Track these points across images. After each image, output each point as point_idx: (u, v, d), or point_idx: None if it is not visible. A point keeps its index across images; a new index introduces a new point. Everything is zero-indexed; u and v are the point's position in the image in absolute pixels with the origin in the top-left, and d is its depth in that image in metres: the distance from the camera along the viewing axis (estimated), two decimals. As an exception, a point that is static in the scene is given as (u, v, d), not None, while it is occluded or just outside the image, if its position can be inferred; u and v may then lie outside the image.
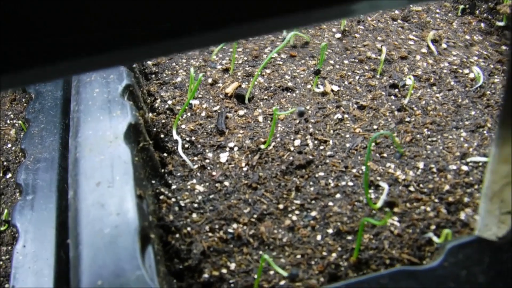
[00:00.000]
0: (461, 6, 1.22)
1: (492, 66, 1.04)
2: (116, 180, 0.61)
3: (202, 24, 0.37)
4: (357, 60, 1.08)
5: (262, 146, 0.85)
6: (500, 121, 0.45)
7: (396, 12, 1.22)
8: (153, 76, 1.03)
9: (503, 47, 1.11)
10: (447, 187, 0.75)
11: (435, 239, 0.66)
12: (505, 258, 0.50)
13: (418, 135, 0.87)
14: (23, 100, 1.18)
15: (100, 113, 0.71)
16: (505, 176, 0.48)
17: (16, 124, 1.14)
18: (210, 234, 0.70)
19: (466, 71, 1.03)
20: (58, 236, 0.84)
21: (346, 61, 1.08)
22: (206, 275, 0.64)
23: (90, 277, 0.51)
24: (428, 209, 0.72)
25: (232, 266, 0.66)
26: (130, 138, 0.69)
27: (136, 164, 0.66)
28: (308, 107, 0.94)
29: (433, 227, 0.69)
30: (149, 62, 1.06)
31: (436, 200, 0.74)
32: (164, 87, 1.00)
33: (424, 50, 1.10)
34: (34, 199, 0.89)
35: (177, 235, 0.68)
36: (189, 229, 0.70)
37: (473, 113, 0.93)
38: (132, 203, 0.58)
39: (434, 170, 0.79)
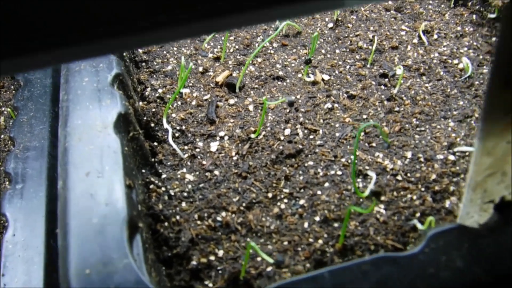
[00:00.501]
0: (454, -3, 1.23)
1: (481, 57, 1.05)
2: (105, 170, 0.61)
3: (202, 12, 0.37)
4: (348, 50, 1.08)
5: (252, 135, 0.85)
6: (483, 115, 0.46)
7: (390, 2, 1.22)
8: (144, 64, 1.03)
9: (494, 39, 1.11)
10: (433, 176, 0.76)
11: (419, 226, 0.67)
12: (483, 244, 0.52)
13: (407, 125, 0.88)
14: (12, 87, 1.18)
15: (90, 102, 0.71)
16: (487, 167, 0.49)
17: (5, 112, 1.13)
18: (198, 222, 0.71)
19: (456, 61, 1.04)
20: (47, 225, 0.84)
21: (337, 51, 1.08)
22: (194, 262, 0.65)
23: (78, 266, 0.51)
24: (414, 197, 0.73)
25: (220, 253, 0.67)
26: (120, 128, 0.70)
27: (126, 154, 0.66)
28: (298, 96, 0.95)
29: (418, 214, 0.70)
30: (140, 50, 1.06)
31: (423, 189, 0.75)
32: (154, 76, 1.00)
33: (415, 40, 1.11)
34: (23, 188, 0.89)
35: (166, 224, 0.69)
36: (178, 217, 0.70)
37: (461, 103, 0.94)
38: (121, 193, 0.58)
39: (422, 159, 0.80)
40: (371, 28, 1.14)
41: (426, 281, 0.49)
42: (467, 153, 0.81)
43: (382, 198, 0.74)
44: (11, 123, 1.04)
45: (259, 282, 0.63)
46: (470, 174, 0.51)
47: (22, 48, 0.37)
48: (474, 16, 1.17)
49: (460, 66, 1.02)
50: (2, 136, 1.09)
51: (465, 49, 1.07)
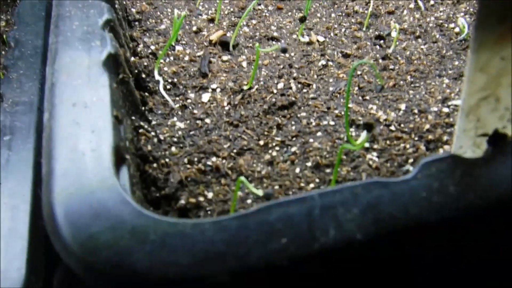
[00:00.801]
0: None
1: (478, 21, 1.04)
2: (92, 102, 0.60)
3: None
4: (344, 14, 1.07)
5: (245, 87, 0.84)
6: (476, 20, 0.45)
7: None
8: (137, 23, 1.02)
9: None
10: (427, 127, 0.75)
11: (412, 169, 0.65)
12: (476, 172, 0.50)
13: (401, 82, 0.87)
14: (3, 52, 1.16)
15: (79, 43, 0.70)
16: (481, 88, 0.48)
17: (-5, 75, 1.11)
18: (188, 165, 0.70)
19: (452, 25, 1.03)
20: (35, 175, 0.83)
21: (333, 15, 1.07)
22: (182, 202, 0.64)
23: (61, 188, 0.50)
24: (408, 146, 0.72)
25: (210, 195, 0.66)
26: (110, 68, 0.68)
27: (114, 90, 0.65)
28: (292, 54, 0.94)
29: (411, 161, 0.69)
30: (133, 10, 1.04)
31: (416, 138, 0.74)
32: (147, 34, 0.98)
33: (412, 5, 1.10)
34: (11, 140, 0.88)
35: (155, 165, 0.68)
36: (167, 160, 0.69)
37: (456, 63, 0.93)
38: (108, 122, 0.57)
39: (416, 111, 0.79)
40: (367, -6, 1.13)
41: (418, 204, 0.48)
42: (461, 106, 0.80)
43: (375, 146, 0.73)
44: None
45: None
46: (462, 96, 0.50)
47: None
48: (471, -16, 1.16)
49: (456, 30, 1.02)
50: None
51: (462, 14, 1.06)
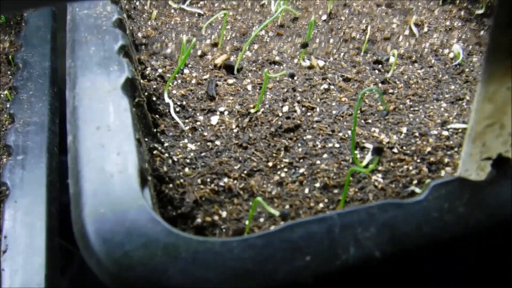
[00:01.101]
0: (443, -5, 1.28)
1: (471, 47, 1.10)
2: (115, 125, 0.62)
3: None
4: (342, 40, 1.12)
5: (252, 110, 0.87)
6: (487, 54, 0.49)
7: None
8: (143, 47, 1.05)
9: (482, 33, 1.16)
10: (428, 149, 0.79)
11: (417, 190, 0.69)
12: (483, 194, 0.54)
13: (401, 105, 0.91)
14: (8, 72, 1.18)
15: (98, 68, 0.73)
16: (488, 116, 0.52)
17: (2, 95, 1.13)
18: (202, 186, 0.72)
19: (446, 51, 1.08)
20: (48, 193, 0.85)
21: (331, 40, 1.12)
22: (199, 220, 0.66)
23: (92, 207, 0.52)
24: (411, 168, 0.76)
25: (224, 214, 0.69)
26: (128, 91, 0.71)
27: (134, 114, 0.67)
28: (295, 78, 0.97)
29: (415, 182, 0.73)
30: (139, 34, 1.08)
31: (418, 160, 0.78)
32: (154, 57, 1.02)
33: (406, 32, 1.15)
34: (24, 159, 0.90)
35: (171, 185, 0.70)
36: (182, 180, 0.72)
37: (452, 87, 0.98)
38: (131, 144, 0.60)
39: (417, 134, 0.83)
40: (364, 21, 1.18)
41: (431, 224, 0.51)
42: (460, 130, 0.84)
43: (380, 168, 0.77)
44: (8, 105, 1.04)
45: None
46: (470, 124, 0.54)
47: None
48: (462, 12, 1.22)
49: (451, 55, 1.07)
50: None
51: (455, 40, 1.12)
